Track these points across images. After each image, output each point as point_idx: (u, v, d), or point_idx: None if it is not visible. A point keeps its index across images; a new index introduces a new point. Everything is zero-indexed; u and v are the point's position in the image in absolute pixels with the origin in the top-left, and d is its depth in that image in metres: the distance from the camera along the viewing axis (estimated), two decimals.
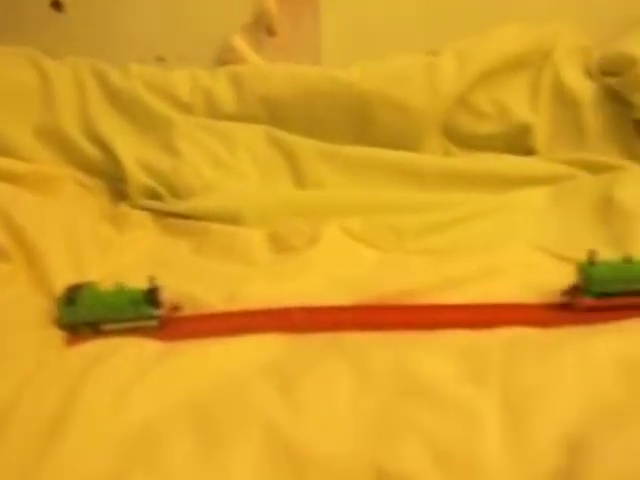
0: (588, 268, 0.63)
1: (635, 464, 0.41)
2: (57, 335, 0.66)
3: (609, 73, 0.97)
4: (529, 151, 0.97)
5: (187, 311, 0.68)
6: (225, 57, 1.12)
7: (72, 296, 0.67)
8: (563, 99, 0.97)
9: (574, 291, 0.64)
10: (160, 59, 1.15)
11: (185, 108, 1.00)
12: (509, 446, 0.44)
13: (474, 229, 0.81)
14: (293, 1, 1.12)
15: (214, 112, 1.00)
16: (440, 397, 0.48)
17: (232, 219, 0.87)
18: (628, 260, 0.63)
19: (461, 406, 0.47)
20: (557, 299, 0.64)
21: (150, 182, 0.95)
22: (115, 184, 0.99)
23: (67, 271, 0.75)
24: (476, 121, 0.98)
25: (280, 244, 0.81)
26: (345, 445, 0.46)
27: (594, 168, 0.91)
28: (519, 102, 0.98)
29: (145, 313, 0.66)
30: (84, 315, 0.66)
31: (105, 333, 0.65)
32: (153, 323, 0.66)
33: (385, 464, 0.44)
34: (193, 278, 0.74)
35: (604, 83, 0.96)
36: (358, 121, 0.97)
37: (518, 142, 0.97)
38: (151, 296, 0.66)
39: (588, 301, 0.62)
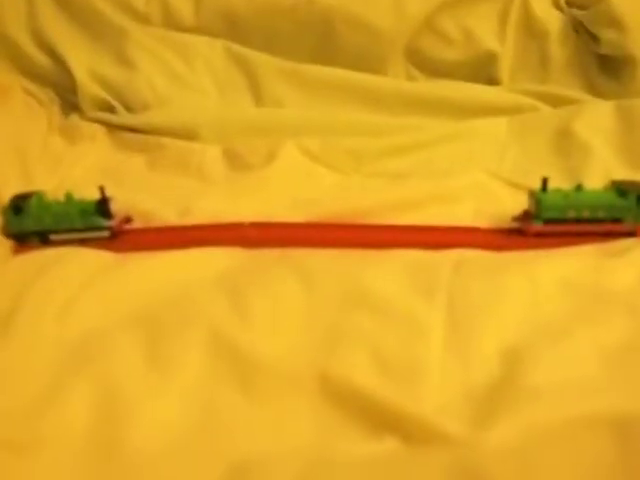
0: (539, 195, 0.64)
1: (568, 373, 0.43)
2: (3, 244, 0.64)
3: (577, 5, 0.96)
4: (493, 80, 0.96)
5: (139, 224, 0.67)
6: None
7: (19, 205, 0.65)
8: (530, 29, 0.96)
9: (525, 217, 0.65)
10: None
11: (141, 18, 0.96)
12: (451, 356, 0.45)
13: (432, 154, 0.82)
14: None
15: (171, 23, 0.97)
16: (386, 308, 0.49)
17: (188, 134, 0.85)
18: (579, 188, 0.64)
19: (407, 317, 0.48)
20: (508, 225, 0.66)
21: (103, 94, 0.92)
22: (66, 95, 0.95)
23: (15, 181, 0.74)
24: (441, 47, 0.96)
25: (236, 161, 0.79)
26: (290, 350, 0.46)
27: (556, 101, 0.91)
28: (486, 30, 0.96)
29: (95, 224, 0.65)
30: (32, 224, 0.65)
31: (54, 243, 0.64)
32: (104, 234, 0.65)
33: (328, 369, 0.45)
34: (146, 192, 0.72)
35: (571, 15, 0.95)
36: (320, 39, 0.94)
37: (482, 71, 0.97)
38: (101, 207, 0.65)
39: (537, 227, 0.64)
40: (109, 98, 0.91)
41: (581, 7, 0.95)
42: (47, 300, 0.52)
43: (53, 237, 0.65)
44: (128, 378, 0.46)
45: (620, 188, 0.64)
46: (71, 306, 0.52)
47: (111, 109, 0.92)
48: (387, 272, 0.53)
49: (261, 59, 0.94)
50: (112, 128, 0.89)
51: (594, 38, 0.94)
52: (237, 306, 0.50)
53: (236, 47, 0.95)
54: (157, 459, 0.42)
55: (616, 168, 0.76)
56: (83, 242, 0.64)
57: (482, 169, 0.77)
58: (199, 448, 0.43)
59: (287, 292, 0.52)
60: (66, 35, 0.95)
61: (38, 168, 0.78)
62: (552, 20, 0.96)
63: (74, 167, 0.81)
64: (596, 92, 0.94)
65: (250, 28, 0.95)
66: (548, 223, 0.64)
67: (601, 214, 0.63)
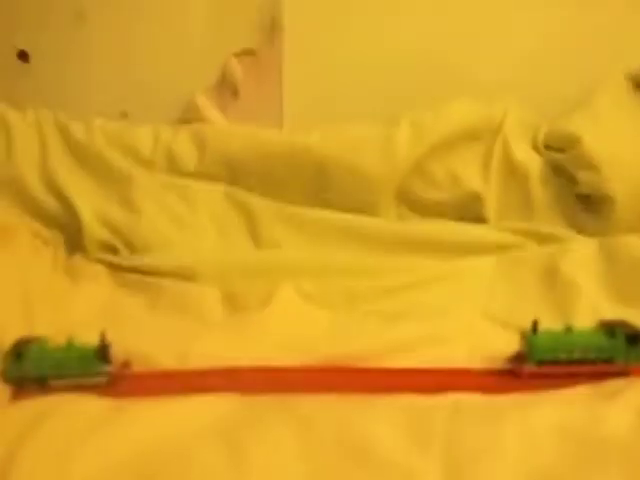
0: (531, 337, 0.65)
1: None
2: (2, 390, 0.64)
3: (555, 149, 1.02)
4: (479, 219, 1.01)
5: (137, 368, 0.68)
6: (189, 115, 1.15)
7: (20, 351, 0.66)
8: (512, 171, 1.02)
9: (518, 358, 0.66)
10: (124, 114, 1.16)
11: (146, 164, 1.02)
12: None
13: (424, 295, 0.84)
14: (257, 65, 1.16)
15: (175, 169, 1.02)
16: (383, 462, 0.49)
17: (188, 276, 0.88)
18: (569, 330, 0.66)
19: (404, 472, 0.48)
20: (501, 366, 0.67)
21: (107, 236, 0.96)
22: (72, 236, 0.99)
23: (17, 325, 0.74)
24: (429, 188, 1.02)
25: (234, 303, 0.81)
26: None
27: (541, 238, 0.95)
28: (471, 172, 1.02)
29: (94, 370, 0.65)
30: (31, 370, 0.65)
31: (52, 389, 0.64)
32: (102, 380, 0.65)
33: None
34: (145, 334, 0.73)
35: (550, 158, 1.01)
36: (315, 184, 1.00)
37: (469, 210, 1.01)
38: (101, 352, 0.65)
39: (530, 368, 0.65)
40: (113, 240, 0.95)
41: (558, 151, 1.01)
42: (43, 454, 0.52)
43: (52, 383, 0.65)
44: None
45: (608, 328, 0.65)
46: (67, 460, 0.51)
47: (114, 250, 0.95)
48: (384, 423, 0.53)
49: (260, 203, 0.99)
50: (114, 268, 0.92)
51: (572, 179, 0.99)
52: (234, 460, 0.50)
53: (236, 191, 1.00)
54: None
55: (603, 304, 0.78)
56: (81, 387, 0.64)
57: (474, 308, 0.79)
58: None
59: (284, 445, 0.51)
60: (75, 180, 1.01)
61: (41, 309, 0.79)
62: (532, 163, 1.01)
63: (76, 307, 0.83)
64: (579, 229, 0.98)
65: (249, 173, 1.01)
66: (541, 364, 0.65)
67: (592, 355, 0.64)
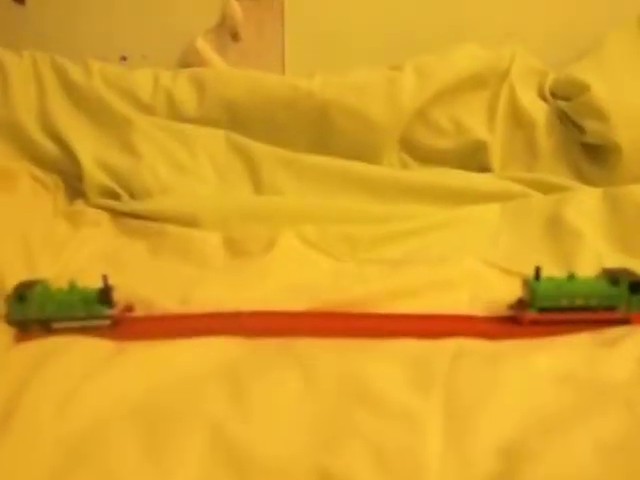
0: (533, 283, 0.65)
1: (565, 469, 0.43)
2: (6, 332, 0.65)
3: (561, 97, 1.01)
4: (483, 168, 1.00)
5: (140, 312, 0.68)
6: (188, 59, 1.12)
7: (23, 293, 0.66)
8: (518, 120, 1.01)
9: (519, 305, 0.66)
10: (123, 58, 1.14)
11: (146, 109, 1.00)
12: (450, 452, 0.45)
13: (426, 242, 0.84)
14: (258, 8, 1.13)
15: (175, 114, 1.01)
16: (385, 404, 0.50)
17: (189, 221, 0.87)
18: (571, 277, 0.66)
19: (405, 413, 0.49)
20: (503, 312, 0.67)
21: (107, 181, 0.95)
22: (72, 181, 0.98)
23: (19, 268, 0.75)
24: (434, 136, 1.00)
25: (236, 249, 0.81)
26: (289, 448, 0.46)
27: (545, 188, 0.94)
28: (476, 120, 1.01)
29: (97, 312, 0.66)
30: (34, 313, 0.66)
31: (56, 331, 0.65)
32: (105, 322, 0.66)
33: (328, 466, 0.45)
34: (147, 280, 0.73)
35: (557, 106, 1.00)
36: (317, 130, 0.98)
37: (473, 159, 1.00)
38: (104, 295, 0.66)
39: (532, 315, 0.65)
40: (114, 185, 0.94)
41: (565, 98, 1.00)
42: (47, 394, 0.52)
43: (55, 325, 0.66)
44: (127, 474, 0.46)
45: (612, 276, 0.66)
46: (71, 400, 0.52)
47: (115, 196, 0.94)
48: (386, 366, 0.54)
49: (261, 149, 0.97)
50: (116, 214, 0.91)
51: (579, 128, 0.98)
52: (237, 400, 0.50)
53: (237, 137, 0.99)
54: None
55: (606, 253, 0.78)
56: (84, 330, 0.64)
57: (476, 256, 0.78)
58: None
59: (287, 386, 0.52)
60: (74, 124, 0.99)
61: (42, 254, 0.79)
62: (538, 111, 1.00)
63: (78, 253, 0.83)
64: (583, 179, 0.97)
65: (250, 118, 0.99)
66: (543, 311, 0.65)
67: (594, 302, 0.65)
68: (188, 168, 0.96)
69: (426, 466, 0.44)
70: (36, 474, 0.46)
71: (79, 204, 0.94)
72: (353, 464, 0.45)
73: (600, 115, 0.94)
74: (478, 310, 0.67)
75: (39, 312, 0.66)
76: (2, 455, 0.47)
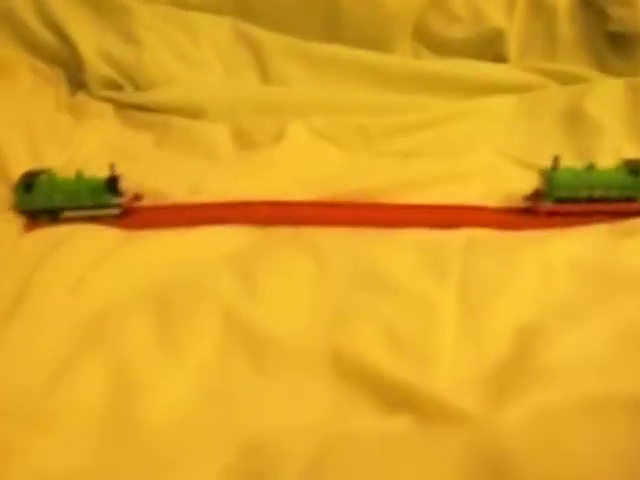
0: (550, 173, 0.63)
1: (580, 353, 0.43)
2: (15, 221, 0.64)
3: None
4: (500, 58, 0.95)
5: (149, 202, 0.67)
6: None
7: (29, 182, 0.65)
8: (539, 6, 0.95)
9: (535, 196, 0.65)
10: None
11: None
12: (464, 335, 0.46)
13: (440, 133, 0.81)
14: None
15: (178, 1, 0.95)
16: (398, 288, 0.49)
17: (195, 113, 0.84)
18: (591, 167, 0.64)
19: (419, 297, 0.49)
20: (519, 203, 0.65)
21: (110, 72, 0.91)
22: (73, 73, 0.94)
23: (25, 159, 0.73)
24: (449, 24, 0.95)
25: (244, 140, 0.79)
26: (302, 328, 0.47)
27: (564, 78, 0.91)
28: (494, 7, 0.95)
29: (105, 201, 0.65)
30: (42, 202, 0.65)
31: (64, 221, 0.64)
32: (114, 211, 0.65)
33: (341, 346, 0.45)
34: (155, 170, 0.72)
35: None
36: (328, 18, 0.93)
37: (490, 48, 0.96)
38: (111, 184, 0.65)
39: (548, 206, 0.63)
40: (116, 76, 0.91)
41: None
42: (58, 277, 0.52)
43: (63, 214, 0.65)
44: (141, 355, 0.46)
45: (632, 167, 0.64)
46: (82, 283, 0.52)
47: (118, 87, 0.91)
48: (398, 252, 0.53)
49: (268, 37, 0.93)
50: (120, 106, 0.88)
51: (603, 15, 0.93)
52: (248, 284, 0.50)
53: (243, 25, 0.94)
54: (169, 436, 0.42)
55: (627, 146, 0.75)
56: (93, 219, 0.64)
57: (491, 147, 0.76)
58: (212, 425, 0.43)
59: (298, 270, 0.52)
60: (72, 13, 0.94)
61: (47, 146, 0.78)
62: None
63: (83, 145, 0.81)
64: (605, 69, 0.93)
65: (257, 6, 0.94)
66: (559, 202, 0.63)
67: (613, 193, 0.63)
68: (193, 58, 0.92)
69: (440, 348, 0.44)
70: (50, 351, 0.46)
71: (81, 96, 0.91)
72: (366, 344, 0.45)
73: (626, 1, 0.89)
74: (492, 201, 0.66)
75: (47, 202, 0.65)
76: (15, 336, 0.48)
